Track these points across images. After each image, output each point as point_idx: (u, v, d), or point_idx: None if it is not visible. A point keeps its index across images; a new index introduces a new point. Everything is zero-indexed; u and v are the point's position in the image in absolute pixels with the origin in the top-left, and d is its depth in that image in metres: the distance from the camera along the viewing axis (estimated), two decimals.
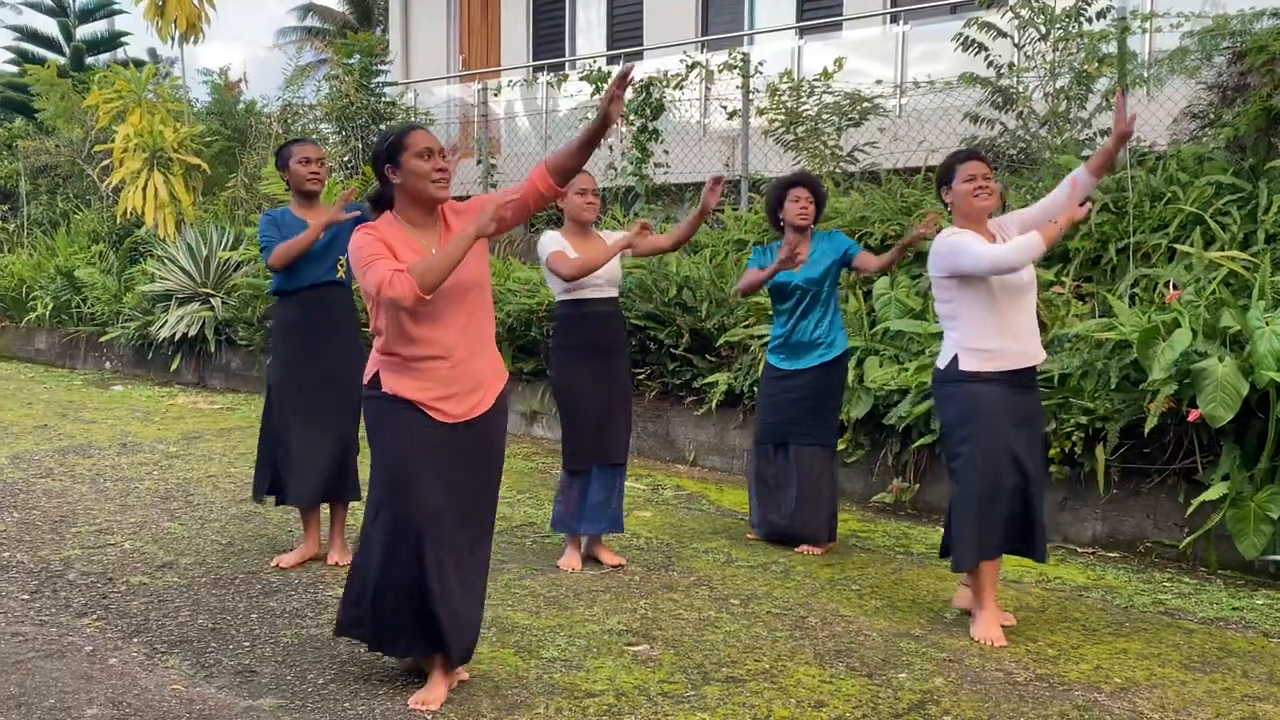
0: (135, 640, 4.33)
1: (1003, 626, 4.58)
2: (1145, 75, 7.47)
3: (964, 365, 4.46)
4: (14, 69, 24.88)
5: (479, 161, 12.30)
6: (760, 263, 5.86)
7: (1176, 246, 6.53)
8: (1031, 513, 4.54)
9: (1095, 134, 7.95)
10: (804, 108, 9.77)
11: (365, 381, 3.79)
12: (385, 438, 3.71)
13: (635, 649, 4.32)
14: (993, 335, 4.43)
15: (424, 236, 3.71)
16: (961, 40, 8.37)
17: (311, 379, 5.32)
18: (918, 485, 6.71)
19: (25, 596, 4.83)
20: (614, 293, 5.40)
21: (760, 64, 10.51)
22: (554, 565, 5.42)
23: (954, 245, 4.42)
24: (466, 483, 3.75)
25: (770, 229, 6.26)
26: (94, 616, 4.60)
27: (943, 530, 4.84)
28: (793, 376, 5.82)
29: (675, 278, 8.22)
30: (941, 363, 4.57)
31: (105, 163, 14.13)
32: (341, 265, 5.38)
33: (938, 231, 4.69)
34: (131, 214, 13.14)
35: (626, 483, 7.39)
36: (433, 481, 3.67)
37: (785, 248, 5.52)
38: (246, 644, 4.32)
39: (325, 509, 5.59)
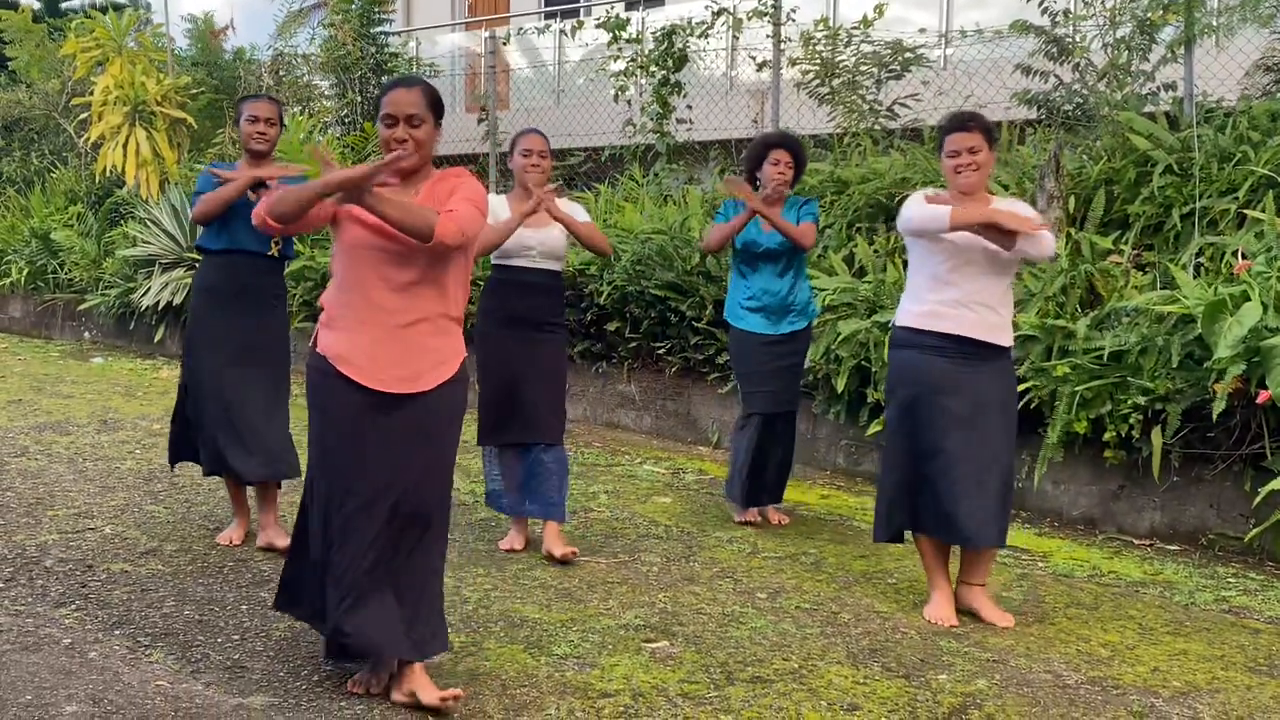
0: (117, 632, 4.37)
1: (1004, 626, 4.68)
2: (1215, 23, 7.38)
3: (898, 321, 4.70)
4: None
5: (480, 121, 12.28)
6: (728, 216, 6.01)
7: (1246, 212, 6.48)
8: (983, 496, 4.58)
9: (1158, 88, 7.87)
10: (840, 58, 9.72)
11: (310, 346, 3.84)
12: (316, 405, 3.77)
13: (654, 646, 4.33)
14: (931, 293, 4.61)
15: (402, 195, 3.74)
16: None
17: (231, 349, 5.40)
18: None
19: None
20: (550, 265, 5.45)
21: (793, 11, 10.43)
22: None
23: (907, 202, 4.67)
24: (402, 465, 3.70)
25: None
26: (73, 607, 4.63)
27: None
28: (781, 342, 6.03)
29: (698, 244, 8.20)
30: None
31: (83, 116, 14.16)
32: (278, 241, 5.46)
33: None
34: (111, 172, 13.17)
35: (644, 467, 7.43)
36: (362, 458, 3.68)
37: (764, 191, 5.88)
38: (236, 637, 4.35)
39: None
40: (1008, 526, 4.69)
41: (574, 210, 5.48)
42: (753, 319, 6.02)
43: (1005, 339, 4.66)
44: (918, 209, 4.58)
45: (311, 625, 4.02)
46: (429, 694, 3.72)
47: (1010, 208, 4.61)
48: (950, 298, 4.58)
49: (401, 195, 3.70)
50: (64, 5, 25.15)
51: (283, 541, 5.44)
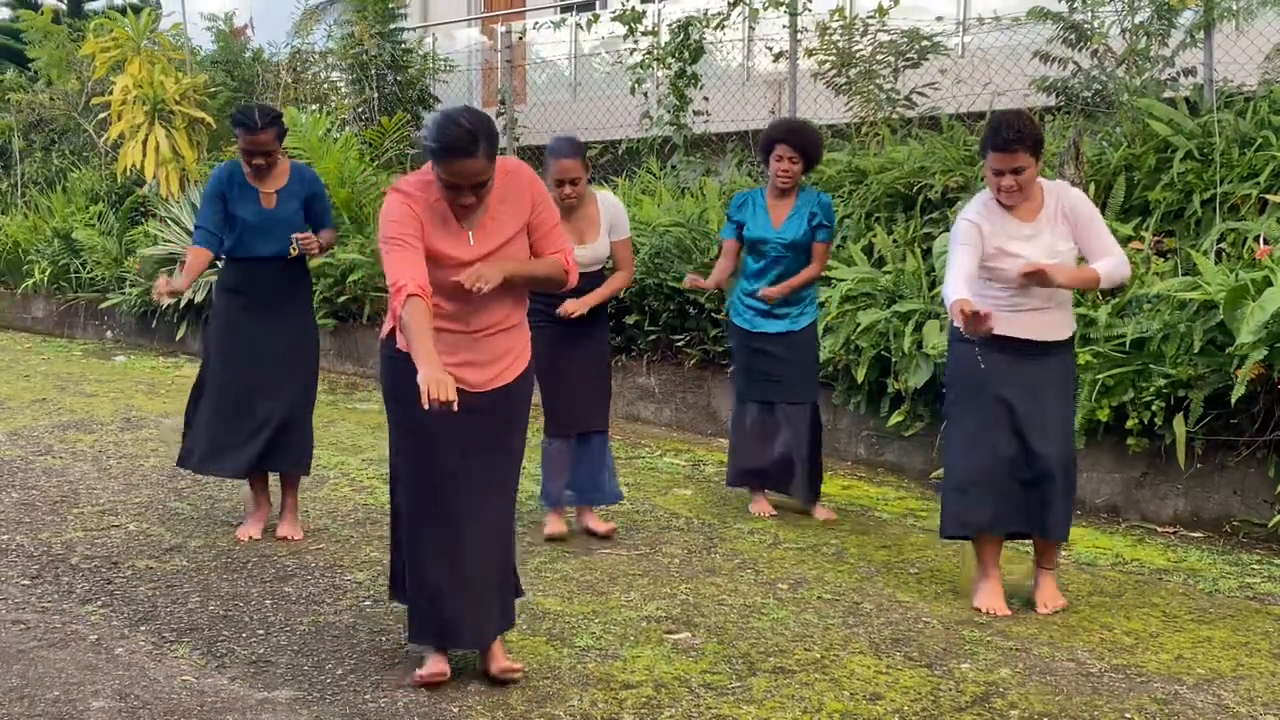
0: (142, 628, 4.40)
1: (1057, 610, 4.66)
2: (1234, 7, 7.32)
3: (954, 322, 4.63)
4: (5, 14, 25.08)
5: (500, 114, 12.29)
6: (740, 217, 6.01)
7: (1268, 197, 6.43)
8: (1045, 488, 4.57)
9: (1177, 73, 7.82)
10: (857, 48, 9.67)
11: (381, 337, 3.88)
12: (397, 400, 3.81)
13: (675, 637, 4.34)
14: (980, 298, 4.51)
15: (463, 217, 3.73)
16: None
17: (244, 350, 5.44)
18: None
19: (26, 582, 4.92)
20: (589, 269, 5.44)
21: (809, 0, 10.41)
22: (586, 547, 5.46)
23: (953, 237, 4.58)
24: (482, 450, 3.83)
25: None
26: (98, 603, 4.67)
27: None
28: (779, 338, 5.97)
29: (716, 237, 8.20)
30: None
31: (103, 116, 14.22)
32: (295, 245, 5.44)
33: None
34: (132, 171, 13.24)
35: (665, 459, 7.44)
36: (446, 448, 3.76)
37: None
38: (261, 632, 4.38)
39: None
40: (1070, 517, 4.72)
41: (606, 206, 5.52)
42: (750, 315, 6.00)
43: (1060, 333, 4.61)
44: (951, 282, 4.45)
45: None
46: (497, 661, 3.90)
47: (1068, 198, 4.54)
48: (999, 303, 4.50)
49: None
50: (86, 6, 25.23)
51: (297, 535, 5.49)
